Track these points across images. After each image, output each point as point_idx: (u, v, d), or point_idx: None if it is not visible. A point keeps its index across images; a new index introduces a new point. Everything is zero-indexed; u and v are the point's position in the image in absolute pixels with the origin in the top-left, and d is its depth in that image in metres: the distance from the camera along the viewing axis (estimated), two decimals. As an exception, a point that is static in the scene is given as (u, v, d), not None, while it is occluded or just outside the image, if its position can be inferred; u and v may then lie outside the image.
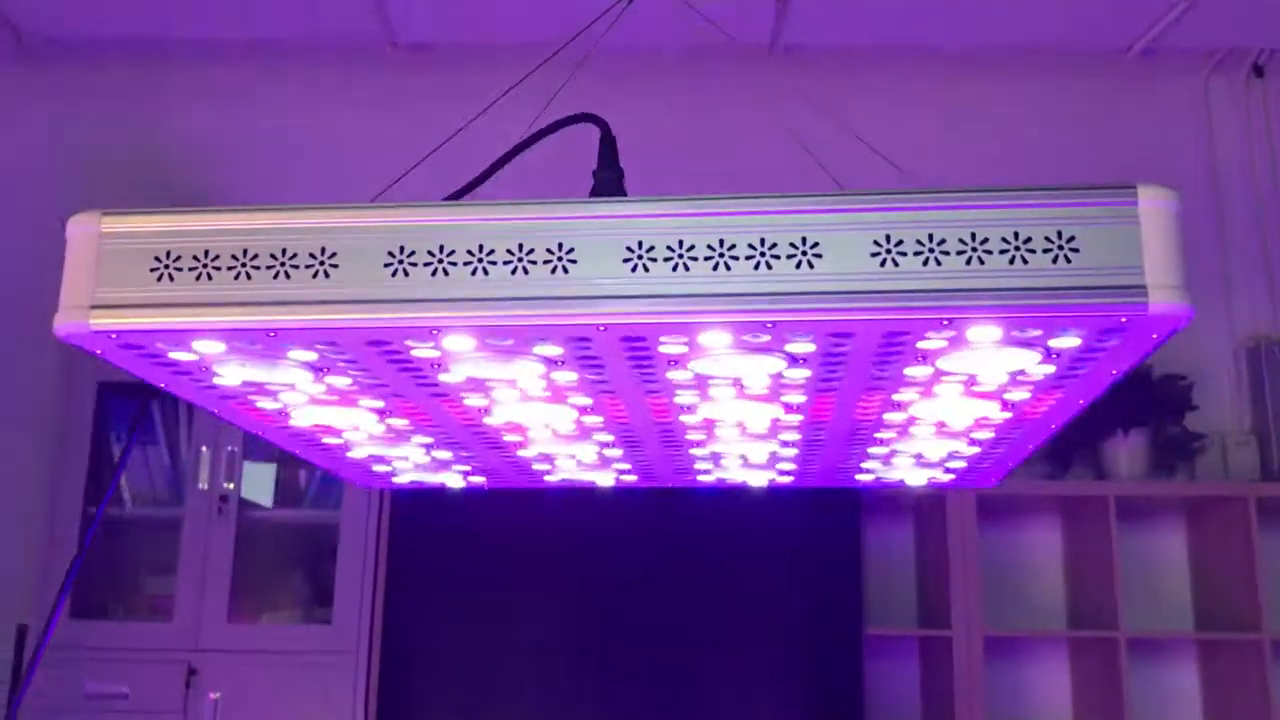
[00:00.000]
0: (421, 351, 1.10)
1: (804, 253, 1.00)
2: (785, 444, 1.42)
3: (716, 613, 3.50)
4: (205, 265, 1.04)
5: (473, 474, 1.73)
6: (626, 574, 3.46)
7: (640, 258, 1.01)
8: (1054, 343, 1.05)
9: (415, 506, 3.32)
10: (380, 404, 1.30)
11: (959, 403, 1.27)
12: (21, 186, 4.20)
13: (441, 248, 1.02)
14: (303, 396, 1.27)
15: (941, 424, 1.35)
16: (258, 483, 3.47)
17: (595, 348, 1.07)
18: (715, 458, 1.57)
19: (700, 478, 1.73)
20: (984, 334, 1.03)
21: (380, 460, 1.62)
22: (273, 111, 4.37)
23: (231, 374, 1.16)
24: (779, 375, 1.16)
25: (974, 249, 0.99)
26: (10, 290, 3.80)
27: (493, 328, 1.02)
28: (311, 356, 1.11)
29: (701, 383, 1.20)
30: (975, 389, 1.21)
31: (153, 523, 3.50)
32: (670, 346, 1.07)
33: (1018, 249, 0.99)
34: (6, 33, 4.11)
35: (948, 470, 1.65)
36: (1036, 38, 4.28)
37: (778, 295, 1.00)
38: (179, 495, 3.45)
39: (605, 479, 1.74)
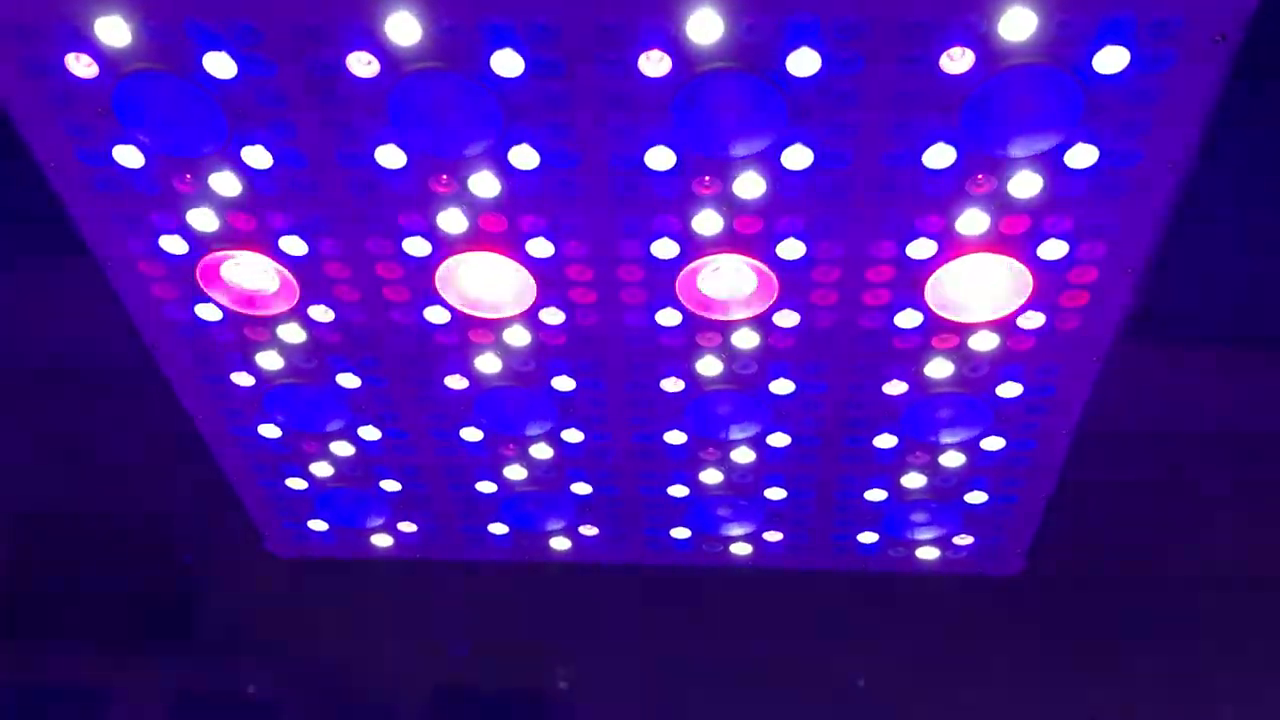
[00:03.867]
0: (359, 65, 0.93)
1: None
2: (775, 350, 1.18)
3: None
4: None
5: (402, 510, 1.45)
6: None
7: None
8: (1099, 61, 0.90)
9: None
10: (304, 248, 1.10)
11: (984, 271, 1.08)
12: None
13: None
14: (213, 221, 1.07)
15: (963, 330, 1.14)
16: None
17: (562, 47, 0.91)
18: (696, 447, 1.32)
19: (674, 532, 1.46)
20: (1018, 22, 0.87)
21: (296, 456, 1.37)
22: None
23: (136, 120, 0.98)
24: (775, 171, 0.99)
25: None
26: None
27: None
28: (229, 69, 0.94)
29: (684, 195, 1.02)
30: (1004, 225, 1.03)
31: None
32: (649, 57, 0.91)
33: (1053, -90, 0.87)
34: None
35: (968, 521, 1.39)
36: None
37: (779, -57, 0.86)
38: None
39: (560, 532, 1.47)
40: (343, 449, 1.35)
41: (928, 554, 1.47)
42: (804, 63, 0.91)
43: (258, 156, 1.02)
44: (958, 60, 0.91)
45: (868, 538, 1.45)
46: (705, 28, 0.89)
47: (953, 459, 1.31)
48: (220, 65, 0.94)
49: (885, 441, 1.29)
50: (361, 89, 0.95)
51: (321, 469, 1.38)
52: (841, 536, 1.45)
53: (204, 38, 0.92)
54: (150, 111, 0.99)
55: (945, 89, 0.93)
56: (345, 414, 1.30)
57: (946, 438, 1.28)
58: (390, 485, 1.41)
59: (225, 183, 1.04)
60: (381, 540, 1.50)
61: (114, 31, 0.92)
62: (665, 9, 0.88)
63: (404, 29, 0.91)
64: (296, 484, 1.41)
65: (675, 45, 0.91)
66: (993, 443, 1.28)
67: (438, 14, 0.90)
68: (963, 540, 1.44)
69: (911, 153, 0.98)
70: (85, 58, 0.94)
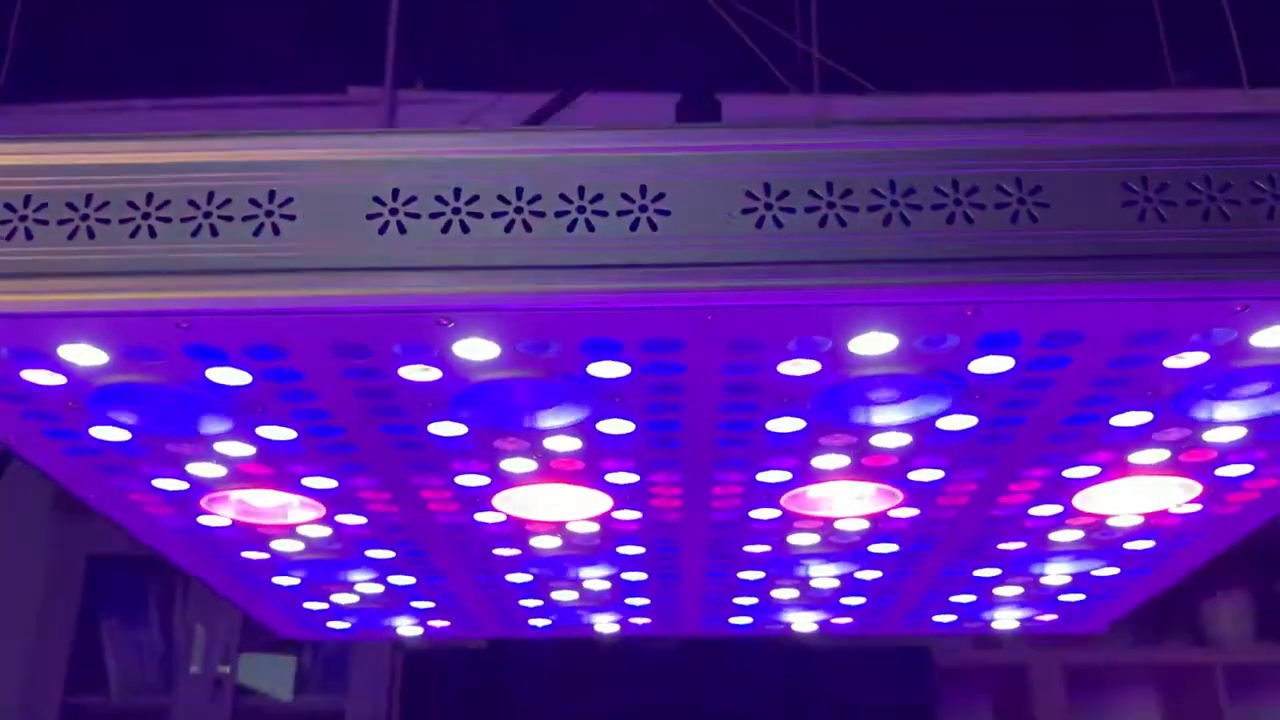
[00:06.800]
0: (415, 373, 0.72)
1: (1023, 200, 0.66)
2: (881, 531, 1.04)
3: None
4: (85, 215, 0.66)
5: (433, 615, 1.31)
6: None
7: (769, 206, 0.66)
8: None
9: (428, 684, 2.70)
10: (333, 484, 0.90)
11: (1147, 485, 0.92)
12: None
13: (457, 192, 0.66)
14: (221, 470, 0.87)
15: (1101, 519, 0.99)
16: (269, 673, 2.90)
17: (686, 355, 0.70)
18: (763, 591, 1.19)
19: (733, 620, 1.34)
20: (1268, 336, 0.68)
21: (314, 592, 1.21)
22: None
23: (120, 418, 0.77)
24: (926, 430, 0.80)
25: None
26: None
27: (543, 302, 0.65)
28: (241, 379, 0.72)
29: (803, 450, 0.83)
30: (1185, 456, 0.86)
31: (139, 712, 2.89)
32: (796, 363, 0.71)
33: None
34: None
35: (1057, 607, 1.28)
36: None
37: (982, 260, 0.65)
38: (170, 682, 2.87)
39: (607, 622, 1.34)
40: (370, 587, 1.19)
41: (1006, 620, 1.36)
42: (992, 365, 0.72)
43: (278, 433, 0.80)
44: (1186, 357, 0.71)
45: (944, 618, 1.34)
46: (872, 344, 0.69)
47: (1056, 577, 1.18)
48: (230, 376, 0.72)
49: (986, 573, 1.16)
50: (417, 390, 0.74)
51: (345, 598, 1.23)
52: (916, 616, 1.34)
53: (206, 356, 0.70)
54: (136, 405, 0.77)
55: (1164, 378, 0.74)
56: (375, 570, 1.14)
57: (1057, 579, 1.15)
58: (422, 604, 1.26)
59: (236, 448, 0.83)
60: (409, 630, 1.37)
61: (84, 355, 0.69)
62: (824, 328, 0.67)
63: (476, 349, 0.69)
64: (314, 606, 1.26)
65: (830, 356, 0.70)
66: (1106, 571, 1.15)
67: (523, 335, 0.68)
68: (1047, 617, 1.34)
69: (1101, 416, 0.79)
70: (46, 372, 0.72)
